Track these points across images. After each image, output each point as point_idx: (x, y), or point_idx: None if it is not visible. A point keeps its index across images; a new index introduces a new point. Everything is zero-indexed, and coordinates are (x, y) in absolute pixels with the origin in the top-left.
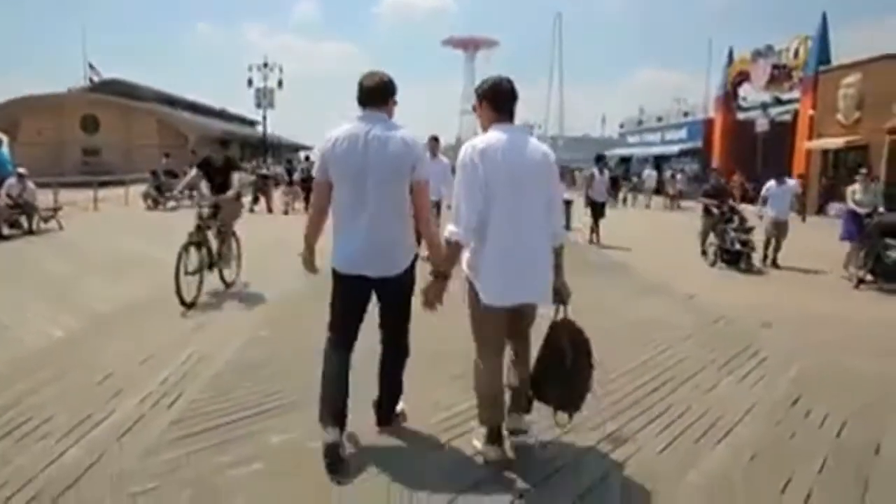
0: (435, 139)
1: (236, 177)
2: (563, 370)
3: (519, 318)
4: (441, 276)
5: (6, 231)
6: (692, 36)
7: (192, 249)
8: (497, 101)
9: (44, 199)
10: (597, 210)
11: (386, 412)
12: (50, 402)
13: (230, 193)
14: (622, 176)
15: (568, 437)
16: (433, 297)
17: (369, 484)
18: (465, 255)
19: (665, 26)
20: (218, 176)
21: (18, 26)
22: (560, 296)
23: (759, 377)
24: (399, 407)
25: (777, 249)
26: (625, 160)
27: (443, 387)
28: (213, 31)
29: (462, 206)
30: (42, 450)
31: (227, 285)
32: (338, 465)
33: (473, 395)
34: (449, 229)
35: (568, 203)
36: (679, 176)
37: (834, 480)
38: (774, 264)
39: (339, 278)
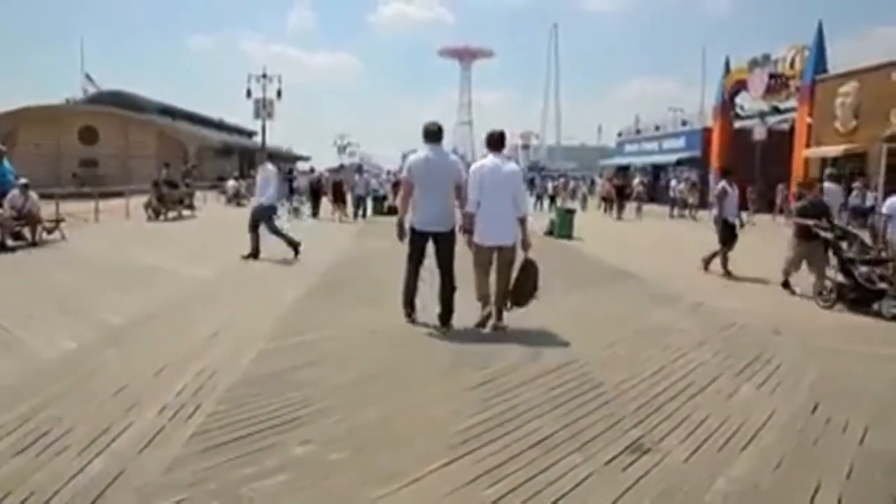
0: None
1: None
2: (525, 284)
3: (497, 253)
4: (466, 231)
5: (10, 242)
6: (686, 45)
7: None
8: (489, 143)
9: (45, 210)
10: (729, 233)
11: (444, 320)
12: (67, 414)
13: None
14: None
15: (594, 444)
16: (466, 242)
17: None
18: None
19: (659, 36)
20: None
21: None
22: (524, 244)
23: (776, 384)
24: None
25: None
26: (622, 169)
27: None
28: (209, 42)
29: (470, 196)
30: (64, 463)
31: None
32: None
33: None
34: (466, 207)
35: (571, 212)
36: (683, 185)
37: (863, 487)
38: None
39: (415, 232)
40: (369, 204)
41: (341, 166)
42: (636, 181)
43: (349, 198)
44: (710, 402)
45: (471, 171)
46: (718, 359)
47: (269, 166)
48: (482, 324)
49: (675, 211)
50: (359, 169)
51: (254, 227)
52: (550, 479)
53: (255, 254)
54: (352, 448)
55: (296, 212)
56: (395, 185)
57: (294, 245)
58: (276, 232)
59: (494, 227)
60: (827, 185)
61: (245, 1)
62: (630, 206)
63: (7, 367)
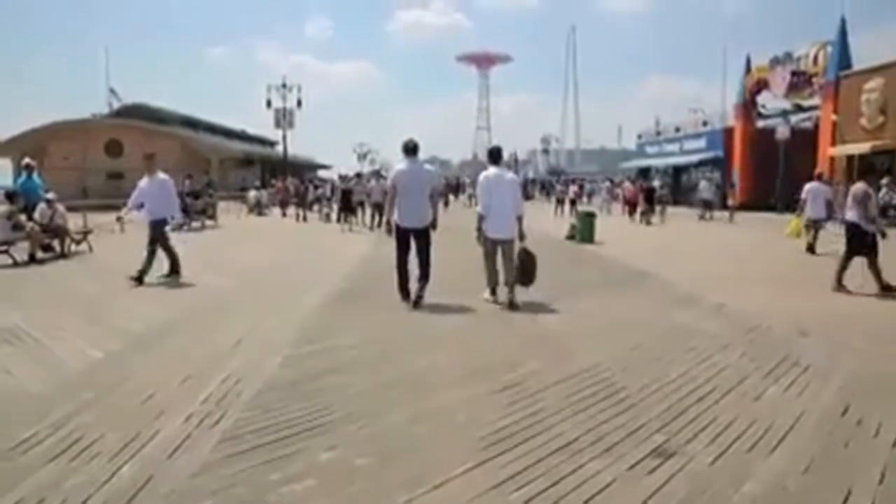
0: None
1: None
2: (525, 269)
3: (501, 245)
4: (478, 228)
5: (40, 254)
6: (706, 45)
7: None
8: (491, 157)
9: (72, 222)
10: (866, 241)
11: (416, 304)
12: (97, 421)
13: None
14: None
15: (618, 448)
16: (477, 238)
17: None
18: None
19: (678, 36)
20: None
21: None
22: (521, 237)
23: (804, 386)
24: (423, 298)
25: None
26: (644, 171)
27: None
28: (227, 53)
29: (481, 200)
30: (95, 469)
31: None
32: (409, 306)
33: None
34: (478, 209)
35: (592, 216)
36: (704, 184)
37: None
38: None
39: (399, 229)
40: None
41: (358, 175)
42: (656, 183)
43: (366, 207)
44: (736, 405)
45: (479, 181)
46: (744, 361)
47: (161, 175)
48: (493, 300)
49: (707, 213)
50: (376, 175)
51: (157, 243)
52: (574, 484)
53: (175, 268)
54: (376, 453)
55: (327, 217)
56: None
57: (174, 264)
58: (166, 248)
59: (498, 224)
60: (811, 185)
61: (261, 11)
62: (638, 208)
63: (38, 377)
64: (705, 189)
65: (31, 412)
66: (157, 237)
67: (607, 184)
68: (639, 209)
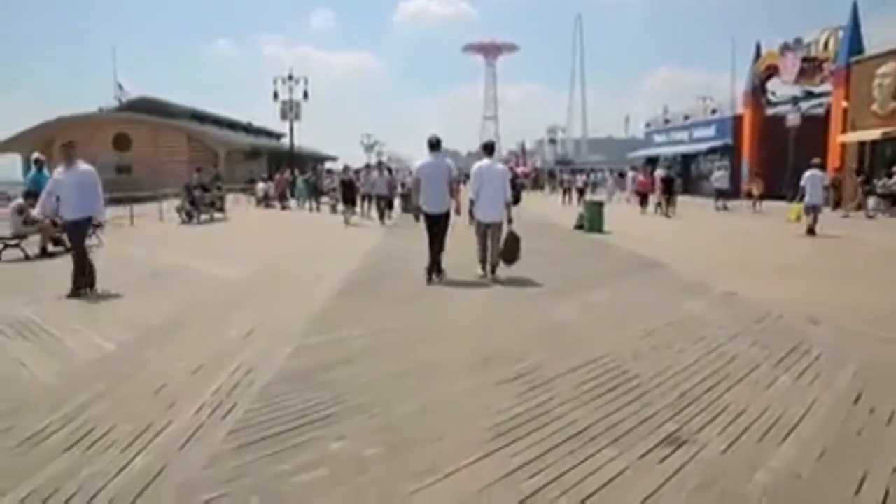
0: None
1: None
2: (510, 249)
3: (489, 228)
4: (470, 212)
5: (50, 248)
6: (714, 33)
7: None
8: (484, 149)
9: None
10: None
11: (436, 272)
12: (110, 412)
13: None
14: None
15: (629, 437)
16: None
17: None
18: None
19: (685, 24)
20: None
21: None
22: (510, 221)
23: (815, 374)
24: (442, 273)
25: None
26: (651, 160)
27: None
28: (232, 46)
29: (472, 187)
30: (109, 459)
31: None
32: (432, 279)
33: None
34: (469, 195)
35: (600, 205)
36: (721, 173)
37: None
38: None
39: (425, 214)
40: (396, 204)
41: (367, 166)
42: (659, 171)
43: (373, 199)
44: (748, 393)
45: (472, 171)
46: (755, 349)
47: (84, 165)
48: (483, 276)
49: (721, 203)
50: (378, 166)
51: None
52: (585, 472)
53: (88, 283)
54: (387, 443)
55: (333, 209)
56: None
57: (89, 277)
58: (82, 256)
59: (487, 209)
60: (810, 172)
61: (265, 4)
62: (652, 199)
63: (52, 369)
64: (721, 177)
65: (44, 404)
66: (80, 241)
67: (613, 174)
68: (653, 200)
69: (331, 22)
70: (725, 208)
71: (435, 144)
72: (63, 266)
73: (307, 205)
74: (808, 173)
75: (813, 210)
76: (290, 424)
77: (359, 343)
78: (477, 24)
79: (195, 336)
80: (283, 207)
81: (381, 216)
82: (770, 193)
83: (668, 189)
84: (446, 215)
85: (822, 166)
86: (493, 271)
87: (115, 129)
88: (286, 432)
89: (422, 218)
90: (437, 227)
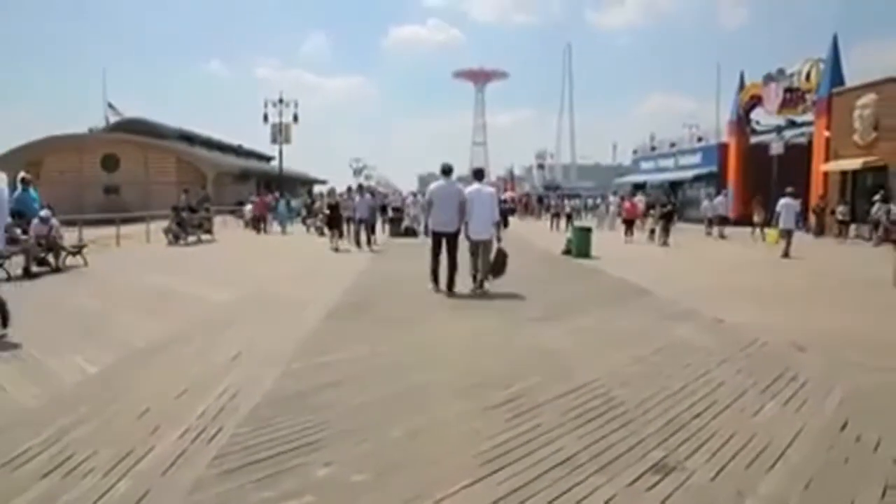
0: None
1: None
2: (497, 263)
3: (479, 244)
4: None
5: (34, 268)
6: (700, 61)
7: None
8: (474, 175)
9: (68, 236)
10: None
11: (450, 287)
12: (91, 437)
13: None
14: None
15: (617, 464)
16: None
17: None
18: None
19: (672, 53)
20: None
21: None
22: (499, 238)
23: (802, 401)
24: (456, 287)
25: None
26: (638, 187)
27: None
28: (224, 68)
29: (466, 209)
30: (89, 485)
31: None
32: (435, 292)
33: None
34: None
35: (588, 231)
36: (720, 199)
37: None
38: None
39: (433, 233)
40: (379, 229)
41: (348, 189)
42: (638, 198)
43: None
44: (735, 420)
45: (465, 194)
46: (742, 376)
47: None
48: (473, 290)
49: (718, 230)
50: (359, 188)
51: None
52: (573, 500)
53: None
54: (374, 470)
55: (320, 232)
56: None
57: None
58: None
59: (477, 227)
60: (784, 200)
61: (259, 26)
62: (638, 225)
63: (33, 392)
64: (721, 204)
65: (24, 428)
66: None
67: (615, 198)
68: (647, 227)
69: (323, 46)
70: (723, 236)
71: (447, 171)
72: (47, 286)
73: (288, 229)
74: (782, 201)
75: (787, 234)
76: (277, 449)
77: (347, 367)
78: (467, 50)
79: (181, 359)
80: (259, 231)
81: (358, 241)
82: (750, 220)
83: (667, 216)
84: (456, 234)
85: (795, 195)
86: (480, 284)
87: (103, 149)
88: (272, 457)
89: (422, 236)
90: (448, 245)
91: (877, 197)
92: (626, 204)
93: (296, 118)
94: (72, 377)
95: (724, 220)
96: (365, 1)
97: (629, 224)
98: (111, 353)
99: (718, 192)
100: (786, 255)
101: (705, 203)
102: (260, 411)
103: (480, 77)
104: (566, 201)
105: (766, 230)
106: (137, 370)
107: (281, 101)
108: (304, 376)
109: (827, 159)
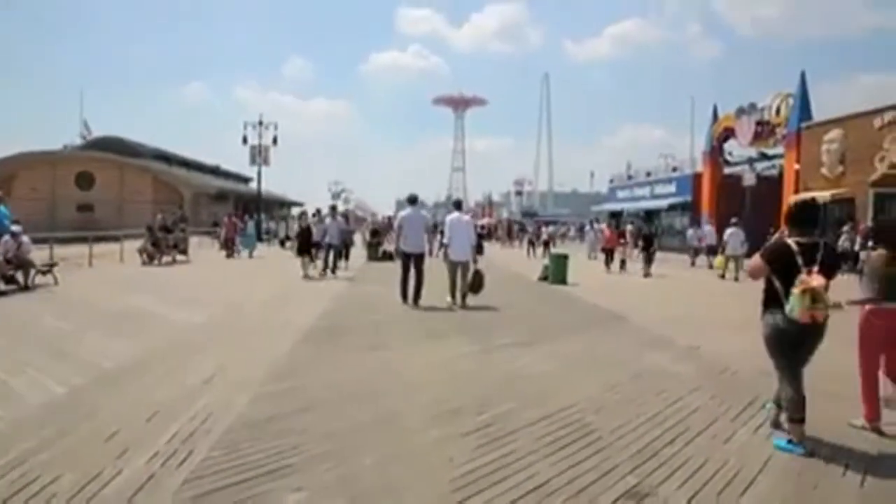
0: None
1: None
2: (475, 283)
3: (460, 266)
4: (446, 254)
5: (2, 287)
6: (675, 93)
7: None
8: (455, 205)
9: (39, 254)
10: None
11: (416, 301)
12: (56, 460)
13: None
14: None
15: (590, 490)
16: (444, 258)
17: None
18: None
19: (648, 84)
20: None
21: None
22: (476, 260)
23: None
24: (420, 300)
25: None
26: (615, 215)
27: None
28: (204, 89)
29: (446, 234)
30: None
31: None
32: (407, 301)
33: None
34: (444, 241)
35: (564, 258)
36: (708, 228)
37: None
38: None
39: (404, 254)
40: (354, 253)
41: (318, 212)
42: (629, 227)
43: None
44: (707, 447)
45: (445, 222)
46: (714, 403)
47: None
48: (453, 303)
49: (698, 259)
50: (331, 212)
51: None
52: None
53: None
54: (345, 496)
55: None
56: (388, 228)
57: None
58: None
59: (458, 251)
60: (731, 229)
61: (239, 48)
62: (617, 255)
63: None
64: (710, 233)
65: None
66: None
67: (601, 225)
68: (618, 257)
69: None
70: (712, 266)
71: (413, 200)
72: (15, 305)
73: (256, 253)
74: (729, 230)
75: (735, 260)
76: (248, 474)
77: (321, 391)
78: (447, 77)
79: (151, 381)
80: (229, 255)
81: (326, 266)
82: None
83: (648, 245)
84: (422, 255)
85: (738, 224)
86: (463, 299)
87: (78, 166)
88: (243, 482)
89: (394, 258)
90: (416, 264)
91: (845, 227)
92: (606, 232)
93: (275, 140)
94: (37, 398)
95: (712, 250)
96: (347, 26)
97: (609, 253)
98: (79, 375)
99: (693, 222)
100: (736, 279)
101: (690, 232)
102: (231, 435)
103: (460, 104)
104: (543, 228)
105: (715, 257)
106: (106, 392)
107: (261, 123)
108: (278, 400)
109: (797, 191)
